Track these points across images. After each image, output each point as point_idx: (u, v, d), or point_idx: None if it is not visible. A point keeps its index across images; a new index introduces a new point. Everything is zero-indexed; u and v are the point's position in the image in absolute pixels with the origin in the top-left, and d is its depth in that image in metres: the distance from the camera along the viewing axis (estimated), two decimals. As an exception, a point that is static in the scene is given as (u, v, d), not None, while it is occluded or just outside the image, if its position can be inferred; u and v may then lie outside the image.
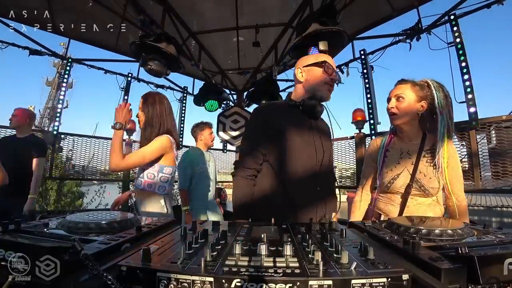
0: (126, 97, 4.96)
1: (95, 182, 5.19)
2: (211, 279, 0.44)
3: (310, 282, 0.44)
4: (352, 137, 4.14)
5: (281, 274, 0.45)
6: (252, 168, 1.19)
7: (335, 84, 1.28)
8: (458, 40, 3.15)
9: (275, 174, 1.19)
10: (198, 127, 2.96)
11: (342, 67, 4.45)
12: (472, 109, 2.99)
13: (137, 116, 1.71)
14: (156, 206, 1.59)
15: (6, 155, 2.44)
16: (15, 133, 2.80)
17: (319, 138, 1.25)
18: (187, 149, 3.00)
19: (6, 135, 3.15)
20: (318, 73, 1.26)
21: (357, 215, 1.48)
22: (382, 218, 1.37)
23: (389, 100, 1.36)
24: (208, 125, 2.99)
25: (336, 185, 1.39)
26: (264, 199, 1.18)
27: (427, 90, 1.30)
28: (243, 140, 1.31)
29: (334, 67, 1.27)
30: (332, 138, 1.37)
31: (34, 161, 2.66)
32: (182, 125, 5.69)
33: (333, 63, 1.28)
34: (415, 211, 1.28)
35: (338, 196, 1.33)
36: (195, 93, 5.53)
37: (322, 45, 2.77)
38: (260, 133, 1.20)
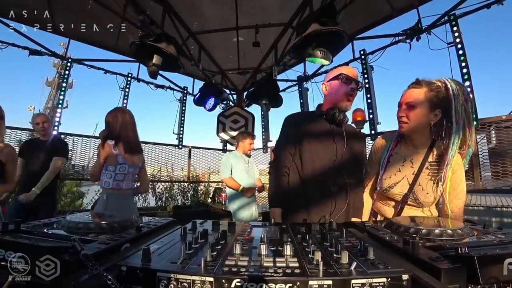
0: (126, 97, 4.96)
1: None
2: (211, 279, 0.44)
3: (310, 282, 0.43)
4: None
5: (281, 274, 0.45)
6: (284, 166, 1.38)
7: (357, 90, 1.39)
8: (458, 40, 3.15)
9: (298, 172, 1.38)
10: (242, 135, 3.33)
11: (342, 67, 4.45)
12: (472, 109, 2.99)
13: None
14: (100, 198, 2.04)
15: (35, 157, 2.68)
16: (35, 136, 3.00)
17: (339, 143, 1.37)
18: (229, 152, 3.54)
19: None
20: (337, 85, 1.38)
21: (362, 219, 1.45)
22: (378, 218, 1.37)
23: (400, 105, 1.23)
24: (251, 136, 3.34)
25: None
26: (290, 193, 1.37)
27: (444, 94, 1.15)
28: (277, 143, 1.52)
29: (352, 76, 1.35)
30: (361, 141, 1.48)
31: (55, 158, 2.82)
32: (182, 125, 5.69)
33: (351, 73, 1.36)
34: (413, 212, 1.27)
35: (361, 199, 1.42)
36: (195, 93, 5.53)
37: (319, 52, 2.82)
38: (289, 137, 1.41)
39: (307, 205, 1.32)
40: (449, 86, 1.15)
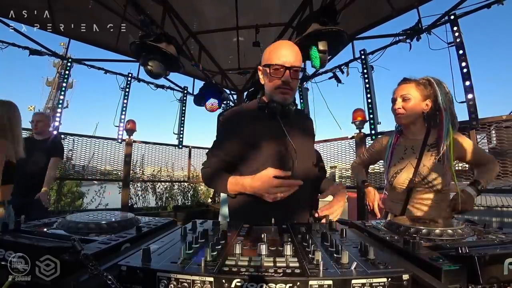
0: (126, 97, 4.96)
1: (95, 182, 5.19)
2: (211, 279, 0.44)
3: (310, 282, 0.43)
4: (352, 137, 4.14)
5: (281, 274, 0.45)
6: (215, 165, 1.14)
7: (297, 79, 1.11)
8: (458, 40, 3.15)
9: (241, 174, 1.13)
10: None
11: (342, 67, 4.46)
12: (472, 109, 2.99)
13: None
14: None
15: (29, 156, 2.58)
16: (30, 134, 2.96)
17: (293, 138, 1.11)
18: None
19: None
20: (269, 75, 1.09)
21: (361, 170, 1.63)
22: (389, 216, 1.38)
23: (394, 100, 1.37)
24: None
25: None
26: (239, 203, 1.12)
27: (430, 88, 1.33)
28: (213, 144, 1.20)
29: (284, 63, 1.05)
30: (313, 133, 1.26)
31: (51, 160, 2.78)
32: (182, 125, 5.69)
33: (285, 57, 1.06)
34: (419, 207, 1.28)
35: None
36: (195, 93, 5.53)
37: (321, 45, 2.78)
38: (228, 140, 1.14)
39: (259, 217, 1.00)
40: (432, 80, 1.34)
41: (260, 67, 1.16)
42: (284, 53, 1.08)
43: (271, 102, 1.11)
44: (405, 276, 0.46)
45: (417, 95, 1.33)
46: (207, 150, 1.21)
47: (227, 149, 1.14)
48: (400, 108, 1.34)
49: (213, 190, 6.38)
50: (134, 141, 5.00)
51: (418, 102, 1.33)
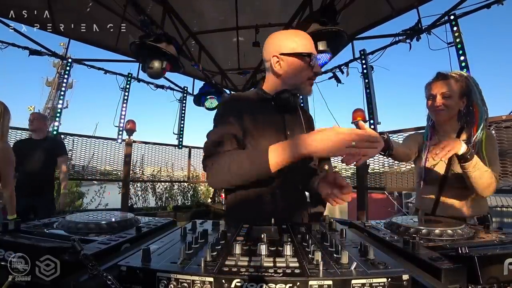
0: (126, 97, 4.96)
1: (95, 182, 5.20)
2: (211, 279, 0.44)
3: (310, 282, 0.43)
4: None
5: (281, 274, 0.45)
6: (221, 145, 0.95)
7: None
8: (458, 40, 3.15)
9: None
10: None
11: (342, 67, 4.46)
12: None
13: None
14: None
15: (30, 156, 2.64)
16: (29, 135, 2.99)
17: (294, 134, 1.04)
18: None
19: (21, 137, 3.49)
20: (300, 66, 1.01)
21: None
22: (419, 213, 1.40)
23: (432, 96, 1.37)
24: None
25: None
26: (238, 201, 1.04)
27: (465, 85, 1.34)
28: (209, 132, 1.00)
29: (314, 51, 1.03)
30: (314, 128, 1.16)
31: (61, 159, 2.85)
32: (182, 125, 5.70)
33: (312, 45, 1.02)
34: (452, 202, 1.28)
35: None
36: (195, 93, 5.53)
37: (321, 46, 2.79)
38: (232, 121, 0.99)
39: (249, 205, 1.01)
40: (468, 77, 1.34)
41: (281, 56, 1.00)
42: (309, 42, 1.02)
43: (283, 92, 1.00)
44: (405, 276, 0.46)
45: (456, 93, 1.33)
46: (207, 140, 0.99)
47: (235, 130, 0.99)
48: (440, 105, 1.34)
49: (213, 190, 6.37)
50: (134, 141, 5.00)
51: (457, 100, 1.33)
